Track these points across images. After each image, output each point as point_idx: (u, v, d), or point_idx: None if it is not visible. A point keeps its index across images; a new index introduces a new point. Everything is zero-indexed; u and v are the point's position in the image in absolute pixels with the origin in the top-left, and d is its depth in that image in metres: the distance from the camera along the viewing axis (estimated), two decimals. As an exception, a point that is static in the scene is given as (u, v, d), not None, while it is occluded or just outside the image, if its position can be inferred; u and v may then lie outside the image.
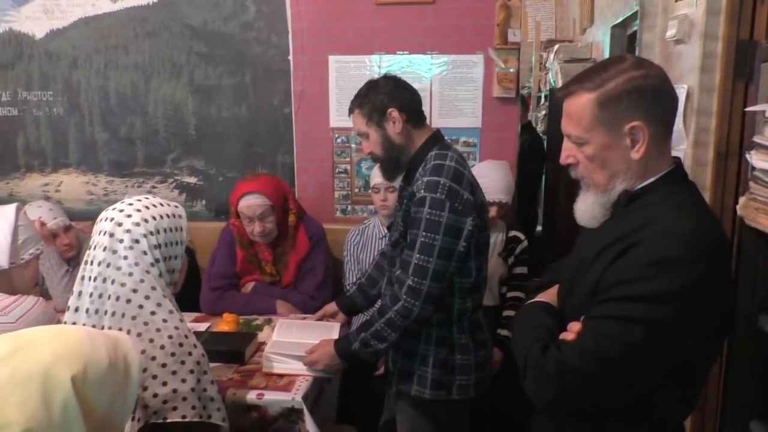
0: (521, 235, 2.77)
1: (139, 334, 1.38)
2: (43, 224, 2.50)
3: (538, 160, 4.59)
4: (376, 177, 2.68)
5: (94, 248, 1.44)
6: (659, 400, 1.16)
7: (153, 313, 1.41)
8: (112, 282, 1.41)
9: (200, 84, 3.21)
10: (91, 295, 1.41)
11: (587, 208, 1.26)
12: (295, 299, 2.57)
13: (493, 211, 2.56)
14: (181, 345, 1.41)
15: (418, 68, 3.03)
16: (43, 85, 3.31)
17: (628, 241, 1.13)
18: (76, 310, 1.43)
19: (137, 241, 1.43)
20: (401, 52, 3.04)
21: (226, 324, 2.28)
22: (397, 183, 2.04)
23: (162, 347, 1.38)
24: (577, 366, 1.12)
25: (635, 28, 2.75)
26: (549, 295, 1.39)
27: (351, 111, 1.94)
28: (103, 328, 1.38)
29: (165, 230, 1.47)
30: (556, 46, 4.44)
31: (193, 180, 3.34)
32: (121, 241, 1.42)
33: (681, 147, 1.84)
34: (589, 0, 4.35)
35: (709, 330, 1.13)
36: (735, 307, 1.58)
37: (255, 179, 2.59)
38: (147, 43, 3.21)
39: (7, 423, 0.84)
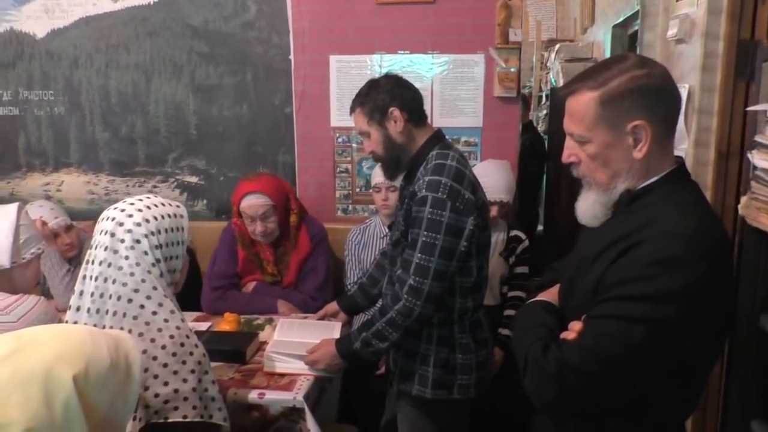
0: (522, 235, 2.77)
1: (140, 334, 1.38)
2: (44, 224, 2.50)
3: (538, 159, 4.59)
4: (377, 176, 2.68)
5: (96, 248, 1.44)
6: (660, 400, 1.16)
7: (154, 313, 1.41)
8: (114, 282, 1.41)
9: (201, 83, 3.21)
10: (92, 294, 1.42)
11: (588, 207, 1.26)
12: (296, 299, 2.57)
13: (494, 211, 2.56)
14: (182, 345, 1.41)
15: (419, 68, 3.03)
16: (44, 84, 3.31)
17: (630, 241, 1.13)
18: (78, 309, 1.43)
19: (138, 242, 1.43)
20: (402, 52, 3.04)
21: (227, 323, 2.28)
22: (398, 182, 2.04)
23: (163, 347, 1.38)
24: (577, 365, 1.12)
25: (636, 28, 2.75)
26: (550, 294, 1.38)
27: (352, 110, 1.94)
28: (104, 327, 1.38)
29: (166, 230, 1.47)
30: (557, 46, 4.45)
31: (194, 179, 3.34)
32: (123, 241, 1.42)
33: (682, 146, 1.84)
34: (590, -1, 4.35)
35: (711, 330, 1.13)
36: (736, 307, 1.58)
37: (257, 179, 2.59)
38: (148, 42, 3.21)
39: (8, 422, 0.84)
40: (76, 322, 1.41)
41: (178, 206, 1.55)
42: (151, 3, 3.18)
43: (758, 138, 1.51)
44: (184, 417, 1.35)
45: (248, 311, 2.46)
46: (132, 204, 1.47)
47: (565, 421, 1.27)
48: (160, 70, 3.23)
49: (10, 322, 1.68)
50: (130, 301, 1.40)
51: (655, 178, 1.19)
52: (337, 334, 2.12)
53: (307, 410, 1.80)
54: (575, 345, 1.14)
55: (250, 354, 2.05)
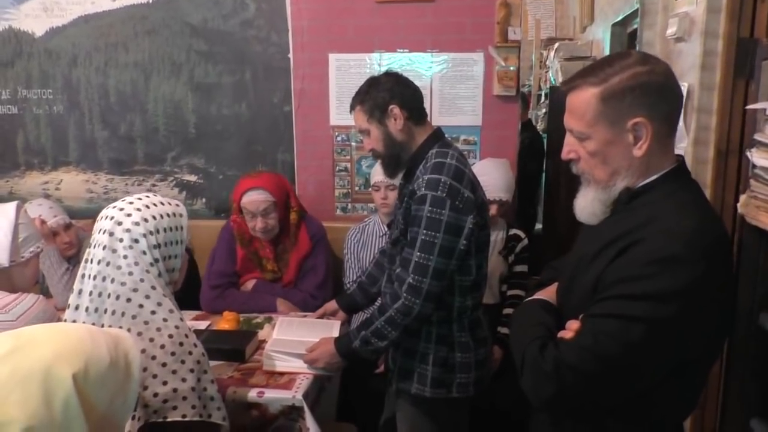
0: (521, 234, 2.77)
1: (139, 333, 1.38)
2: (43, 222, 2.50)
3: (537, 158, 4.59)
4: (377, 175, 2.68)
5: (94, 246, 1.44)
6: (659, 399, 1.15)
7: (153, 312, 1.41)
8: (112, 281, 1.41)
9: (200, 82, 3.21)
10: (90, 293, 1.41)
11: (587, 205, 1.25)
12: (296, 298, 2.57)
13: (493, 209, 2.56)
14: (181, 344, 1.40)
15: (418, 66, 3.03)
16: (43, 83, 3.31)
17: (630, 239, 1.12)
18: (77, 308, 1.42)
19: (136, 241, 1.42)
20: (401, 50, 3.04)
21: (226, 322, 2.28)
22: (398, 181, 2.04)
23: (162, 346, 1.38)
24: (575, 364, 1.11)
25: (635, 26, 2.75)
26: (548, 293, 1.38)
27: (352, 108, 1.94)
28: (102, 326, 1.38)
29: (165, 230, 1.47)
30: (557, 44, 4.45)
31: (193, 178, 3.34)
32: (121, 240, 1.42)
33: (681, 145, 1.84)
34: (589, -2, 4.34)
35: (710, 328, 1.12)
36: (736, 305, 1.58)
37: (258, 175, 2.61)
38: (147, 41, 3.21)
39: (8, 421, 0.84)
40: (75, 321, 1.41)
41: (177, 205, 1.55)
42: (150, 1, 3.18)
43: (757, 136, 1.51)
44: (183, 416, 1.35)
45: (247, 310, 2.46)
46: (131, 203, 1.47)
47: (563, 419, 1.27)
48: (158, 69, 3.23)
49: (9, 320, 1.68)
50: (128, 300, 1.40)
51: (655, 177, 1.18)
52: (336, 333, 2.12)
53: (306, 409, 1.80)
54: (573, 344, 1.14)
55: (250, 353, 2.05)
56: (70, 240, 2.66)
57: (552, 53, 4.54)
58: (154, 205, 1.48)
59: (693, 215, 1.12)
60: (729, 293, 1.18)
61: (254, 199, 2.49)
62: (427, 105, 2.01)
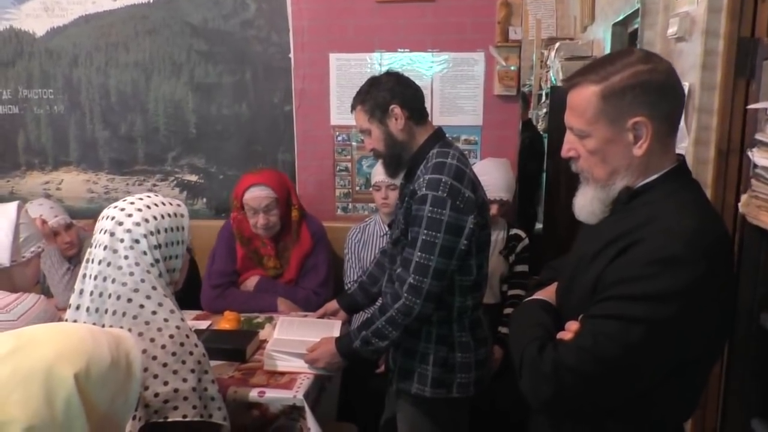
0: (522, 233, 2.77)
1: (140, 334, 1.38)
2: (44, 222, 2.50)
3: (537, 158, 4.59)
4: (377, 175, 2.68)
5: (95, 247, 1.44)
6: (659, 399, 1.15)
7: (154, 312, 1.41)
8: (113, 281, 1.41)
9: (200, 82, 3.21)
10: (91, 293, 1.41)
11: (586, 204, 1.25)
12: (299, 295, 2.57)
13: (494, 209, 2.56)
14: (182, 344, 1.40)
15: (418, 66, 3.03)
16: (44, 83, 3.31)
17: (630, 239, 1.11)
18: (78, 307, 1.43)
19: (137, 241, 1.42)
20: (402, 50, 3.04)
21: (227, 322, 2.28)
22: (398, 181, 2.04)
23: (163, 347, 1.38)
24: (574, 365, 1.11)
25: (636, 26, 2.75)
26: (547, 293, 1.37)
27: (353, 108, 1.94)
28: (103, 326, 1.38)
29: (166, 230, 1.47)
30: (557, 44, 4.44)
31: (193, 178, 3.34)
32: (122, 240, 1.42)
33: (682, 145, 1.83)
34: (589, -3, 4.34)
35: (711, 328, 1.11)
36: (736, 305, 1.58)
37: (260, 172, 2.62)
38: (147, 41, 3.21)
39: (9, 420, 0.84)
40: (75, 321, 1.42)
41: (179, 205, 1.55)
42: (151, 1, 3.18)
43: (758, 136, 1.51)
44: (184, 416, 1.35)
45: (248, 309, 2.46)
46: (132, 203, 1.47)
47: (562, 421, 1.26)
48: (159, 69, 3.23)
49: (10, 320, 1.68)
50: (129, 300, 1.40)
51: (655, 176, 1.18)
52: (336, 333, 2.12)
53: (307, 408, 1.80)
54: (572, 345, 1.13)
55: (250, 352, 2.05)
56: (71, 240, 2.67)
57: (553, 53, 4.53)
58: (155, 205, 1.48)
59: (693, 215, 1.11)
60: (730, 293, 1.18)
61: (257, 195, 2.50)
62: (427, 105, 2.01)
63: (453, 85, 3.03)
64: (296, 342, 2.03)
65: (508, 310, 2.67)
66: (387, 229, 2.70)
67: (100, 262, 1.42)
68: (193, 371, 1.39)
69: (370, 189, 2.87)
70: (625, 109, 1.13)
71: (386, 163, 1.96)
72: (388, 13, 3.00)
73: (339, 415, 2.45)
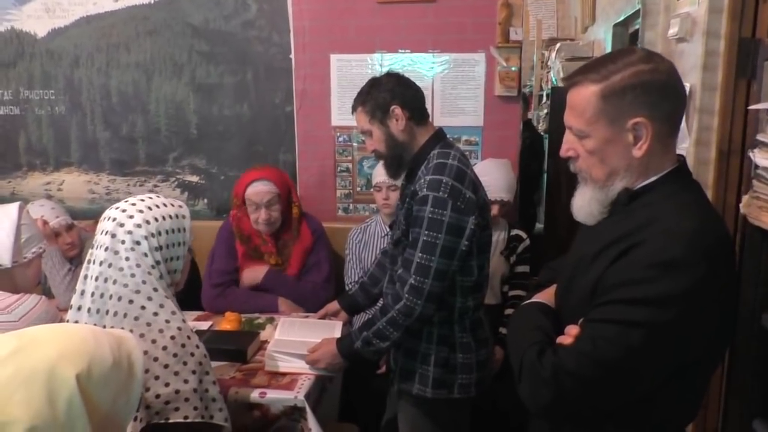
0: (523, 234, 2.77)
1: (141, 335, 1.38)
2: (45, 223, 2.50)
3: (537, 158, 4.59)
4: (378, 175, 2.68)
5: (97, 248, 1.44)
6: (660, 402, 1.14)
7: (155, 314, 1.41)
8: (114, 282, 1.41)
9: (202, 83, 3.21)
10: (92, 294, 1.42)
11: (585, 204, 1.23)
12: (305, 288, 2.57)
13: (494, 210, 2.56)
14: (183, 346, 1.41)
15: (419, 67, 3.03)
16: (45, 83, 3.31)
17: (630, 241, 1.10)
18: (79, 308, 1.43)
19: (138, 243, 1.43)
20: (403, 51, 3.04)
21: (228, 323, 2.28)
22: (399, 181, 2.04)
23: (164, 348, 1.38)
24: (574, 369, 1.09)
25: (637, 27, 2.75)
26: (546, 295, 1.36)
27: (354, 109, 1.94)
28: (105, 327, 1.38)
29: (167, 231, 1.47)
30: (558, 45, 4.44)
31: (194, 179, 3.34)
32: (123, 242, 1.42)
33: (683, 145, 1.83)
34: (590, -2, 4.34)
35: (711, 330, 1.10)
36: (738, 306, 1.57)
37: (262, 168, 2.64)
38: (148, 41, 3.21)
39: (11, 421, 0.85)
40: (77, 322, 1.42)
41: (180, 206, 1.54)
42: (152, 2, 3.18)
43: (759, 137, 1.51)
44: (185, 417, 1.35)
45: (249, 309, 2.46)
46: (133, 204, 1.47)
47: (562, 424, 1.25)
48: (160, 69, 3.23)
49: (12, 321, 1.68)
50: (131, 302, 1.40)
51: (655, 177, 1.16)
52: (338, 334, 2.12)
53: (308, 409, 1.80)
54: (571, 349, 1.11)
55: (251, 353, 2.05)
56: (72, 241, 2.67)
57: (553, 54, 4.53)
58: (157, 206, 1.48)
59: (694, 216, 1.10)
60: (731, 294, 1.16)
61: (259, 190, 2.51)
62: (428, 105, 2.01)
63: (454, 85, 3.03)
64: (297, 343, 2.03)
65: (509, 311, 2.67)
66: (388, 229, 2.70)
67: (101, 264, 1.42)
68: (194, 372, 1.39)
69: (371, 190, 2.87)
70: (625, 109, 1.11)
71: (387, 164, 1.96)
72: (388, 14, 3.00)
73: (340, 416, 2.45)
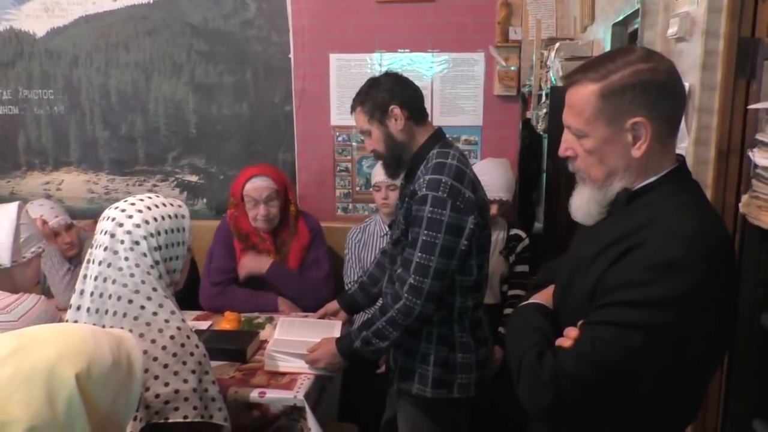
0: (522, 233, 2.78)
1: (141, 335, 1.38)
2: (44, 222, 2.50)
3: (536, 158, 4.59)
4: (378, 175, 2.68)
5: (96, 247, 1.44)
6: (658, 404, 1.13)
7: (155, 314, 1.41)
8: (113, 282, 1.41)
9: (201, 82, 3.21)
10: (92, 294, 1.42)
11: (583, 204, 1.23)
12: (308, 283, 2.57)
13: (493, 209, 2.56)
14: (182, 345, 1.41)
15: (419, 66, 3.03)
16: (44, 83, 3.31)
17: (630, 242, 1.09)
18: (78, 308, 1.43)
19: (137, 243, 1.42)
20: (402, 50, 3.04)
21: (227, 322, 2.28)
22: (399, 181, 2.04)
23: (164, 348, 1.38)
24: (574, 372, 1.09)
25: (636, 26, 2.75)
26: (544, 296, 1.35)
27: (353, 109, 1.94)
28: (104, 327, 1.38)
29: (166, 231, 1.47)
30: (557, 44, 4.43)
31: (194, 178, 3.34)
32: (122, 242, 1.42)
33: (683, 145, 1.83)
34: (589, -3, 4.34)
35: (710, 330, 1.10)
36: (737, 305, 1.57)
37: (260, 165, 2.67)
38: (147, 41, 3.21)
39: (11, 420, 0.84)
40: (76, 321, 1.42)
41: (180, 206, 1.54)
42: (151, 1, 3.18)
43: (759, 136, 1.51)
44: (185, 417, 1.35)
45: (248, 308, 2.46)
46: (132, 204, 1.47)
47: (561, 427, 1.25)
48: (159, 69, 3.23)
49: (11, 321, 1.68)
50: (130, 302, 1.40)
51: (654, 178, 1.15)
52: (337, 333, 2.12)
53: (307, 409, 1.80)
54: (571, 352, 1.11)
55: (251, 353, 2.05)
56: (71, 240, 2.67)
57: (553, 53, 4.52)
58: (156, 206, 1.48)
59: (694, 217, 1.10)
60: (730, 294, 1.16)
61: (258, 185, 2.52)
62: (427, 105, 2.01)
63: (453, 85, 3.03)
64: (297, 342, 2.03)
65: (508, 311, 2.67)
66: (387, 229, 2.70)
67: (100, 263, 1.42)
68: (193, 372, 1.39)
69: (371, 189, 2.87)
70: (625, 108, 1.10)
71: (386, 164, 1.96)
72: (388, 13, 3.00)
73: (340, 416, 2.45)
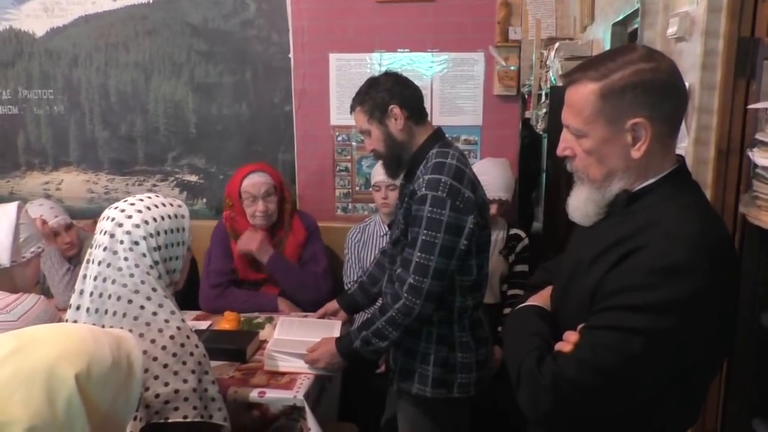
0: (522, 233, 2.78)
1: (141, 335, 1.38)
2: (44, 222, 2.50)
3: (535, 158, 4.59)
4: (377, 175, 2.68)
5: (95, 247, 1.44)
6: (660, 407, 1.12)
7: (155, 314, 1.41)
8: (113, 282, 1.41)
9: (201, 82, 3.21)
10: (91, 294, 1.41)
11: (580, 205, 1.21)
12: (309, 278, 2.58)
13: (493, 209, 2.56)
14: (182, 345, 1.40)
15: (418, 66, 3.03)
16: (44, 83, 3.31)
17: (630, 245, 1.08)
18: (78, 308, 1.43)
19: (137, 243, 1.42)
20: (402, 50, 3.04)
21: (227, 322, 2.28)
22: (398, 181, 2.04)
23: (164, 348, 1.38)
24: (574, 377, 1.07)
25: (636, 26, 2.75)
26: (541, 298, 1.33)
27: (353, 109, 1.94)
28: (104, 327, 1.38)
29: (166, 231, 1.47)
30: (557, 44, 4.43)
31: (193, 178, 3.34)
32: (122, 242, 1.42)
33: (682, 145, 1.83)
34: (589, -3, 4.34)
35: (712, 332, 1.08)
36: (737, 306, 1.57)
37: (256, 163, 2.69)
38: (147, 41, 3.21)
39: (11, 420, 0.84)
40: (76, 321, 1.41)
41: (179, 206, 1.54)
42: (151, 1, 3.18)
43: (759, 136, 1.51)
44: (185, 417, 1.35)
45: (248, 309, 2.46)
46: (132, 204, 1.46)
47: (560, 431, 1.23)
48: (159, 69, 3.23)
49: (11, 321, 1.68)
50: (130, 302, 1.40)
51: (654, 179, 1.14)
52: (337, 333, 2.12)
53: (307, 409, 1.80)
54: (571, 357, 1.09)
55: (251, 353, 2.05)
56: (71, 240, 2.67)
57: (552, 53, 4.52)
58: (156, 206, 1.48)
59: (694, 218, 1.08)
60: (731, 294, 1.14)
61: (256, 181, 2.53)
62: (427, 105, 2.01)
63: (453, 85, 3.03)
64: (296, 342, 2.03)
65: (507, 310, 2.67)
66: (387, 229, 2.70)
67: (99, 263, 1.42)
68: (193, 372, 1.39)
69: (370, 189, 2.87)
70: (625, 109, 1.09)
71: (386, 164, 1.96)
72: (388, 13, 3.00)
73: (340, 416, 2.45)
